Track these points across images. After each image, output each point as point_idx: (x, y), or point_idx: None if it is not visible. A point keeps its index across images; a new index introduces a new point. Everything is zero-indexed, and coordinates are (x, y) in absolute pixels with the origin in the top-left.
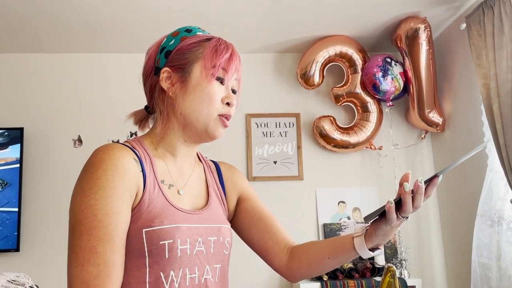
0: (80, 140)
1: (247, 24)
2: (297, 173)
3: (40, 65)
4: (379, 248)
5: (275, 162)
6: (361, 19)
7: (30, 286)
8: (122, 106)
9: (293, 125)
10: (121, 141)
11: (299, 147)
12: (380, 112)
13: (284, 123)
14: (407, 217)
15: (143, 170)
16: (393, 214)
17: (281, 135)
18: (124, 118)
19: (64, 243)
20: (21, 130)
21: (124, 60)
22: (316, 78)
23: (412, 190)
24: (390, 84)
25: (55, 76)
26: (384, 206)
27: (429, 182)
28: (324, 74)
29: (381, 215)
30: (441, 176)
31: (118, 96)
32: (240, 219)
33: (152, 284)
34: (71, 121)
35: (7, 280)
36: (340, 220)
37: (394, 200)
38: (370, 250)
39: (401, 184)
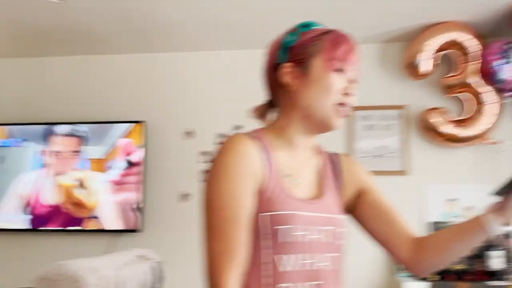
0: (191, 133)
1: (351, 15)
2: (403, 168)
3: (155, 64)
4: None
5: (378, 156)
6: (477, 2)
7: (156, 261)
8: (231, 101)
9: (398, 118)
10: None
11: (404, 141)
12: (498, 103)
13: (389, 116)
14: None
15: (265, 159)
16: None
17: (385, 128)
18: (247, 112)
19: (182, 227)
20: (144, 123)
21: (235, 56)
22: (425, 68)
23: None
24: (511, 72)
25: (175, 74)
26: None
27: None
28: (434, 63)
29: None
30: None
31: (229, 91)
32: (361, 212)
33: (265, 266)
34: (185, 115)
35: (135, 255)
36: (450, 219)
37: None
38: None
39: None
